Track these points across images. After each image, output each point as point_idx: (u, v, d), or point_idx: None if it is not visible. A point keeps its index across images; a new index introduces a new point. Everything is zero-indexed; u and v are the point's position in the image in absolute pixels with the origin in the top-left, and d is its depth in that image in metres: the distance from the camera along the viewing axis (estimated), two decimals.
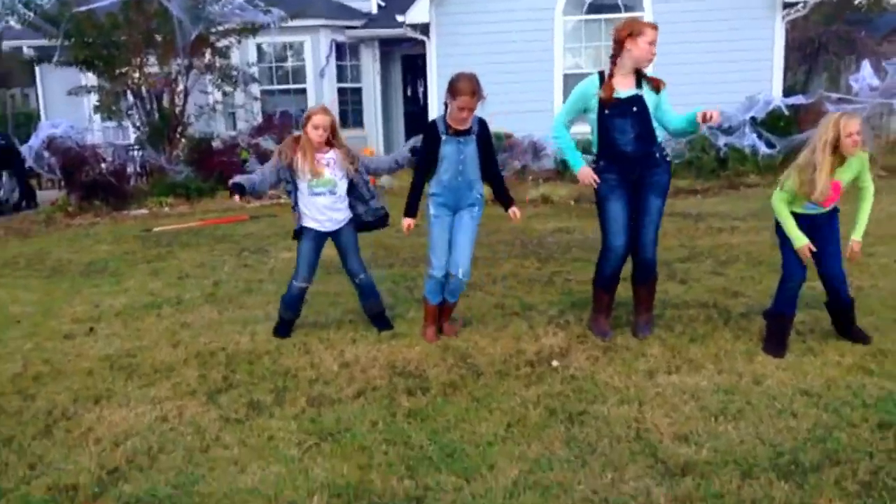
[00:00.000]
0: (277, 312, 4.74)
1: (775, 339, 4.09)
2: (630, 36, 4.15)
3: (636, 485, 2.82)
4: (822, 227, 3.99)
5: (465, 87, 4.09)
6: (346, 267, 4.72)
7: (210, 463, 3.11)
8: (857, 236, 4.01)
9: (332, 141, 4.47)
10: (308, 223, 4.55)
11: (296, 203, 4.58)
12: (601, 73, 4.32)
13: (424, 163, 4.38)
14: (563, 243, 7.35)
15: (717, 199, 9.88)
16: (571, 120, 4.45)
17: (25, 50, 15.65)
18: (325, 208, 4.51)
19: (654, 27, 4.17)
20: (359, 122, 14.69)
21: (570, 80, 11.26)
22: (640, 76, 4.26)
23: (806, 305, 4.59)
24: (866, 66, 11.35)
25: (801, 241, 3.95)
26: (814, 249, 3.96)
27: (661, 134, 4.38)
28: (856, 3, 33.09)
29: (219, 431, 3.40)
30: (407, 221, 4.43)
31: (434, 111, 12.85)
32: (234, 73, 12.47)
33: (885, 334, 4.29)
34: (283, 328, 4.69)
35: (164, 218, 9.78)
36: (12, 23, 11.23)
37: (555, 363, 4.08)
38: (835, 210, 4.03)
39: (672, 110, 4.33)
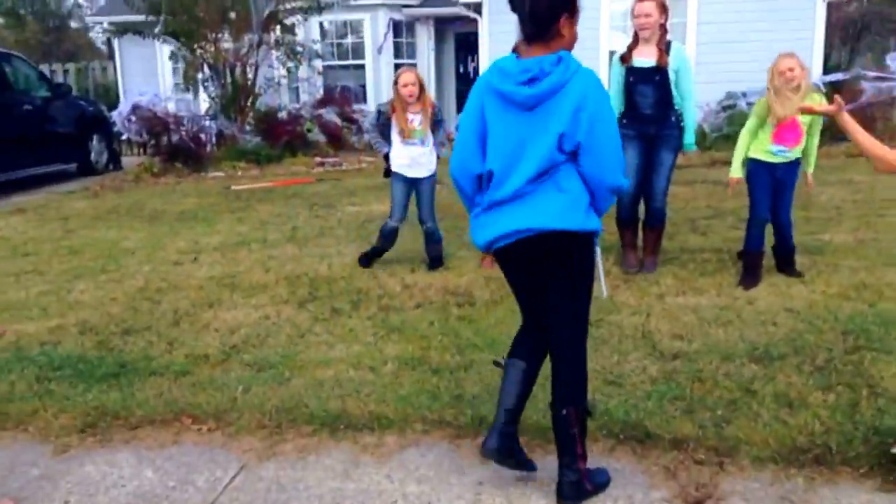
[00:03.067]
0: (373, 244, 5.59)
1: (749, 274, 4.84)
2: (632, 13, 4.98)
3: (636, 364, 3.63)
4: (783, 178, 4.74)
5: None
6: (419, 214, 5.55)
7: (306, 343, 4.03)
8: (808, 169, 4.85)
9: (420, 98, 5.30)
10: (399, 169, 5.37)
11: (388, 154, 5.42)
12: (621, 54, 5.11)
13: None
14: None
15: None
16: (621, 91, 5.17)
17: (106, 25, 16.94)
18: (413, 158, 5.33)
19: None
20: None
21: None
22: (662, 49, 4.99)
23: (806, 250, 5.29)
24: None
25: (735, 172, 4.89)
26: (736, 184, 4.92)
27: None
28: None
29: (311, 326, 4.31)
30: None
31: None
32: (300, 49, 13.42)
33: (870, 272, 4.97)
34: (367, 258, 5.55)
35: (238, 179, 10.79)
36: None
37: None
38: (796, 163, 4.73)
39: (689, 89, 5.07)
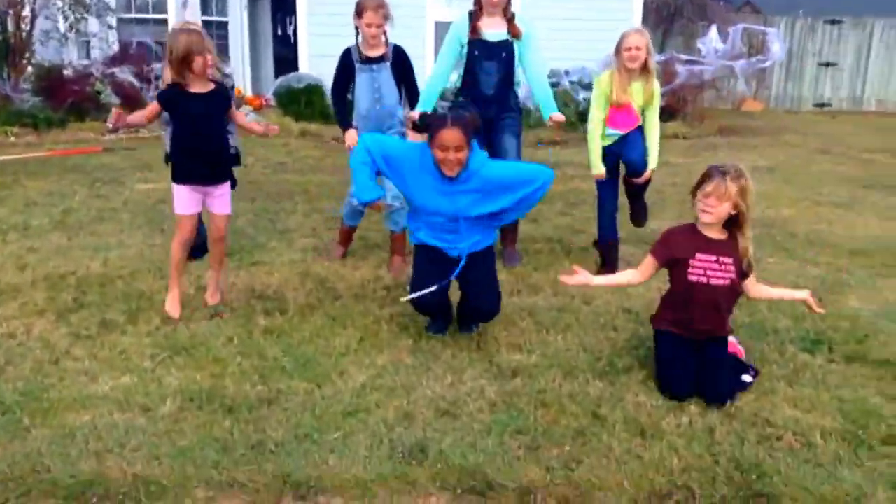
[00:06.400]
0: None
1: (607, 264, 4.64)
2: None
3: (472, 384, 3.12)
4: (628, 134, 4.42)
5: (369, 3, 4.17)
6: None
7: (60, 373, 3.13)
8: (652, 165, 4.52)
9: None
10: None
11: None
12: (470, 13, 4.49)
13: (337, 91, 4.49)
14: None
15: (575, 150, 10.40)
16: (452, 66, 4.58)
17: None
18: None
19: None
20: (225, 58, 14.18)
21: (442, 29, 11.38)
22: (510, 21, 4.48)
23: (641, 241, 5.08)
24: (713, 31, 12.19)
25: (598, 168, 4.47)
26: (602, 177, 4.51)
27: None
28: None
29: (69, 347, 3.40)
30: (349, 134, 4.42)
31: (304, 52, 12.63)
32: None
33: None
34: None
35: (9, 147, 9.15)
36: None
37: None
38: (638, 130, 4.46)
39: (541, 59, 4.58)
